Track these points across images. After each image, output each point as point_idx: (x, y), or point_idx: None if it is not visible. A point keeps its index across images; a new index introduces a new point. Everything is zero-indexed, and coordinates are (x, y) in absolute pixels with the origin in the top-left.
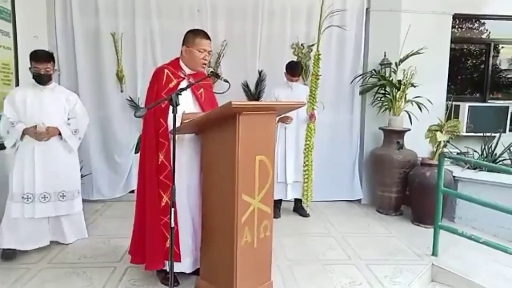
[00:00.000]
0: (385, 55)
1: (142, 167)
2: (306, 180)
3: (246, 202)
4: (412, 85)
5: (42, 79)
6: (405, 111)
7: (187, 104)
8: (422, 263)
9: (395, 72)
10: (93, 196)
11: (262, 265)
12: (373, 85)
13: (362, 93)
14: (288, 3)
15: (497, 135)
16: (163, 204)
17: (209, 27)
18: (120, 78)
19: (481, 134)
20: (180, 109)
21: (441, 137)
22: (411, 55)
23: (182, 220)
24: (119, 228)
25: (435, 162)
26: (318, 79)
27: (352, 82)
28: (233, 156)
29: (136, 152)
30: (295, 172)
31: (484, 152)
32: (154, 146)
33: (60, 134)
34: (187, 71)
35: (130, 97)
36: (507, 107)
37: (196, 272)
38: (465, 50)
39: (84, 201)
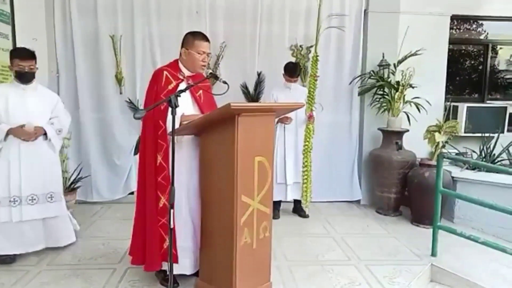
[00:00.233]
0: (383, 56)
1: (142, 169)
2: (305, 181)
3: (246, 203)
4: (411, 86)
5: (26, 78)
6: (404, 112)
7: (186, 106)
8: (421, 263)
9: (393, 73)
10: (92, 198)
11: (261, 266)
12: (371, 86)
13: (360, 94)
14: (287, 5)
15: (496, 135)
16: (160, 205)
17: (208, 28)
18: (119, 80)
19: (480, 134)
20: (179, 111)
21: (439, 137)
22: (409, 56)
23: (181, 221)
24: (118, 230)
25: (433, 162)
26: (316, 80)
27: (350, 83)
28: (232, 157)
29: (135, 153)
30: (295, 173)
31: (483, 153)
32: (153, 148)
33: (45, 134)
34: (186, 72)
35: (129, 99)
36: (505, 108)
37: (196, 274)
38: (463, 51)
39: (83, 203)
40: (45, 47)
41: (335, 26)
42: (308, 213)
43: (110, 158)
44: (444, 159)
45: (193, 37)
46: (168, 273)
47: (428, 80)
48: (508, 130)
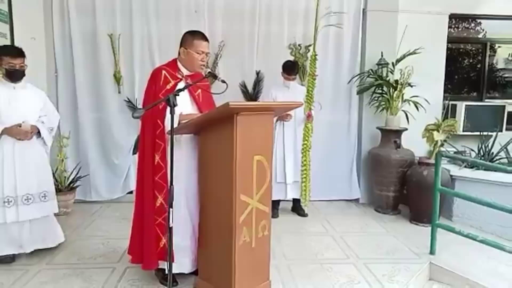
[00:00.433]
0: (382, 55)
1: (141, 168)
2: (304, 179)
3: (244, 202)
4: (409, 84)
5: (16, 76)
6: (402, 110)
7: (185, 105)
8: (420, 262)
9: (392, 72)
10: (91, 197)
11: (260, 265)
12: (370, 85)
13: (359, 93)
14: (285, 4)
15: (494, 134)
16: (157, 204)
17: (207, 28)
18: (117, 79)
19: (478, 133)
20: (177, 110)
21: (438, 136)
22: (408, 55)
23: (180, 220)
24: (117, 229)
25: (432, 161)
26: (315, 79)
27: (349, 82)
28: (231, 156)
29: (134, 153)
30: (294, 172)
31: (481, 151)
32: (151, 147)
33: (38, 132)
34: (185, 72)
35: (128, 98)
36: (504, 106)
37: (195, 272)
38: (461, 49)
39: (82, 202)
40: (43, 46)
41: (333, 24)
42: (307, 212)
43: (109, 158)
44: (443, 158)
45: (192, 37)
46: (167, 272)
47: (426, 79)
48: (506, 129)
